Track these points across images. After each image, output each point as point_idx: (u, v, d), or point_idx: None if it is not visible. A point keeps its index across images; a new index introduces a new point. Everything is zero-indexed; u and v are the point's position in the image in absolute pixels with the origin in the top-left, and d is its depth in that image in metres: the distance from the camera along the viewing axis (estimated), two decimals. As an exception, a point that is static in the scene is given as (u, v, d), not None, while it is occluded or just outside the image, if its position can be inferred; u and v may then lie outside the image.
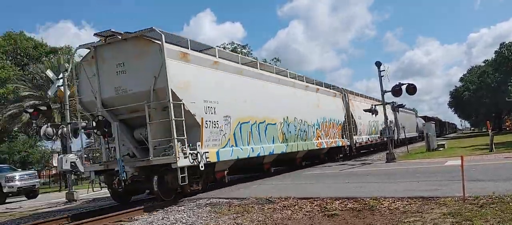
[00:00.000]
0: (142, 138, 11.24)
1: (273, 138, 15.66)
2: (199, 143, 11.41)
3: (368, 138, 28.73)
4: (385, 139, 21.65)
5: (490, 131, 23.11)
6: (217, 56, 13.42)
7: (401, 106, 24.86)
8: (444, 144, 28.18)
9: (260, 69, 16.23)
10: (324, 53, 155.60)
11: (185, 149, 10.74)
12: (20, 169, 27.30)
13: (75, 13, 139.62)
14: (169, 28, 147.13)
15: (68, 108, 17.13)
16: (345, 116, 24.68)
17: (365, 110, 23.78)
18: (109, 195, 12.78)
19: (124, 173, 10.72)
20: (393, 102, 22.96)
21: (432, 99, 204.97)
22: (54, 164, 29.44)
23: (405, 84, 20.31)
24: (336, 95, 24.46)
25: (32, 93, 29.30)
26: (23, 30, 46.60)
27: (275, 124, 15.88)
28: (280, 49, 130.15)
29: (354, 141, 25.17)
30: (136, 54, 11.08)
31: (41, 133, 17.37)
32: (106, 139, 11.52)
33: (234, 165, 13.82)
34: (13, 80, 32.31)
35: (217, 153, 12.30)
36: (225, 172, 13.49)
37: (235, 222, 8.05)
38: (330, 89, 24.20)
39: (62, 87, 17.01)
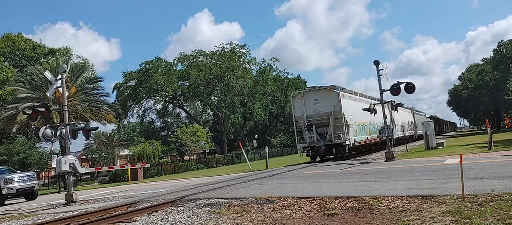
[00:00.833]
0: (322, 132, 24.64)
1: (365, 132, 28.48)
2: (348, 134, 24.41)
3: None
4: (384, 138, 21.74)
5: (489, 129, 23.16)
6: (352, 93, 28.00)
7: (400, 104, 24.82)
8: (443, 143, 28.23)
9: (359, 95, 29.43)
10: (323, 52, 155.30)
11: (346, 136, 24.03)
12: (19, 171, 27.27)
13: (72, 14, 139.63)
14: (167, 29, 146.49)
15: (66, 109, 17.05)
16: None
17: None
18: (107, 195, 14.14)
19: (324, 146, 23.85)
20: (391, 101, 22.94)
21: (431, 98, 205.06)
22: (53, 166, 29.43)
23: (404, 82, 20.36)
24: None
25: (30, 94, 29.24)
26: (21, 32, 46.50)
27: (366, 125, 28.58)
28: (279, 48, 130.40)
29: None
30: (325, 95, 24.76)
31: (40, 135, 17.27)
32: (309, 132, 24.55)
33: (359, 144, 26.78)
34: (11, 81, 32.17)
35: (354, 138, 25.63)
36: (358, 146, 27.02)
37: (234, 222, 8.03)
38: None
39: (61, 88, 16.96)
